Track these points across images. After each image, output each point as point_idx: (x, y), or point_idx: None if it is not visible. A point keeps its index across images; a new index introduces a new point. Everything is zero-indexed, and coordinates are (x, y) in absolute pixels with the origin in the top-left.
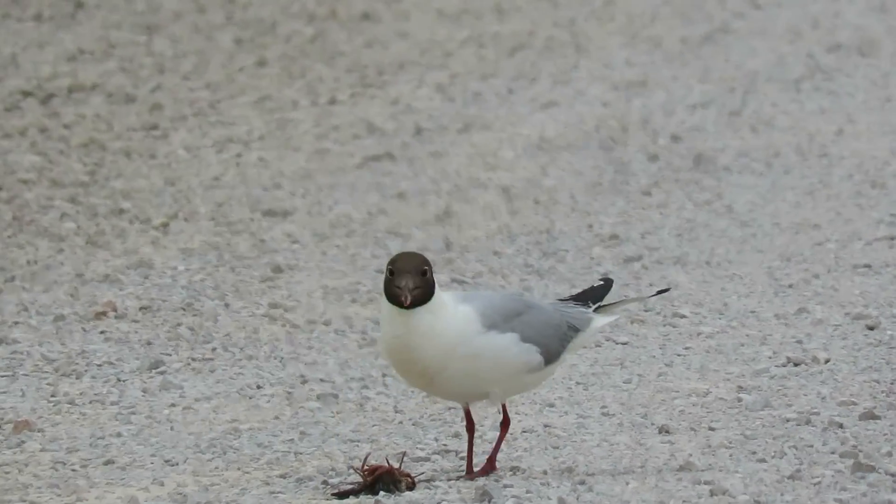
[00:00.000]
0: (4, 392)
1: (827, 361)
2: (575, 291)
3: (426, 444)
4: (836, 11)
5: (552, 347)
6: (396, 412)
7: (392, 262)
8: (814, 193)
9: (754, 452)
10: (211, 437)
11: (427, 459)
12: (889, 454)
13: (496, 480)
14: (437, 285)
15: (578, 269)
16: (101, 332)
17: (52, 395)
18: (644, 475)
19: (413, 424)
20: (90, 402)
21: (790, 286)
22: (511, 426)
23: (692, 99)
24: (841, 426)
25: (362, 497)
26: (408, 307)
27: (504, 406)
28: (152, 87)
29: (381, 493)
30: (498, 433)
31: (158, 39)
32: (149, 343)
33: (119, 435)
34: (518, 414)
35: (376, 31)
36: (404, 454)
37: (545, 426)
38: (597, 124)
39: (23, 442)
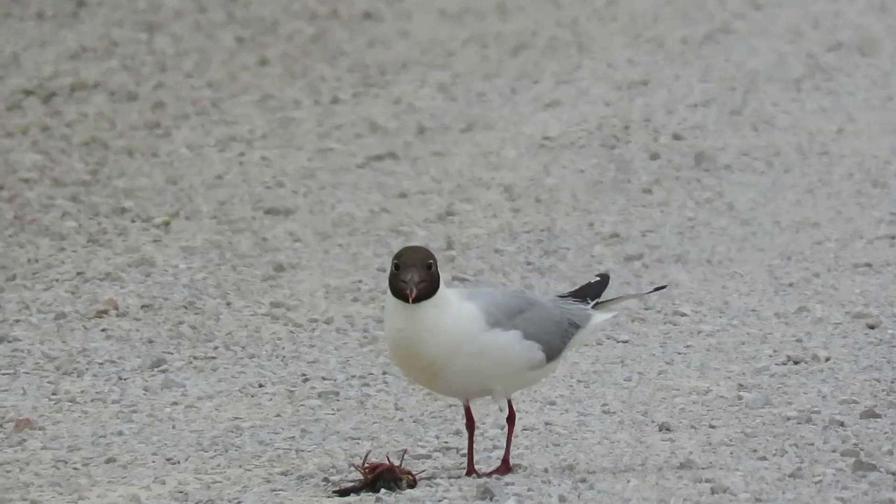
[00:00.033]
0: (6, 390)
1: (827, 360)
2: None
3: (427, 442)
4: (837, 11)
5: (554, 344)
6: (397, 410)
7: (397, 255)
8: (814, 192)
9: (755, 450)
10: (213, 435)
11: (428, 457)
12: (890, 453)
13: (497, 478)
14: (443, 281)
15: (579, 268)
16: (103, 331)
17: (54, 394)
18: (645, 473)
19: (414, 422)
20: (91, 401)
21: (791, 285)
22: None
23: (693, 98)
24: (842, 425)
25: (363, 495)
26: (413, 301)
27: (510, 401)
28: (154, 85)
29: (382, 490)
30: (501, 431)
31: (160, 38)
32: (150, 341)
33: (120, 433)
34: (519, 412)
35: (378, 31)
36: (405, 452)
37: (546, 424)
38: (599, 123)
39: (24, 440)
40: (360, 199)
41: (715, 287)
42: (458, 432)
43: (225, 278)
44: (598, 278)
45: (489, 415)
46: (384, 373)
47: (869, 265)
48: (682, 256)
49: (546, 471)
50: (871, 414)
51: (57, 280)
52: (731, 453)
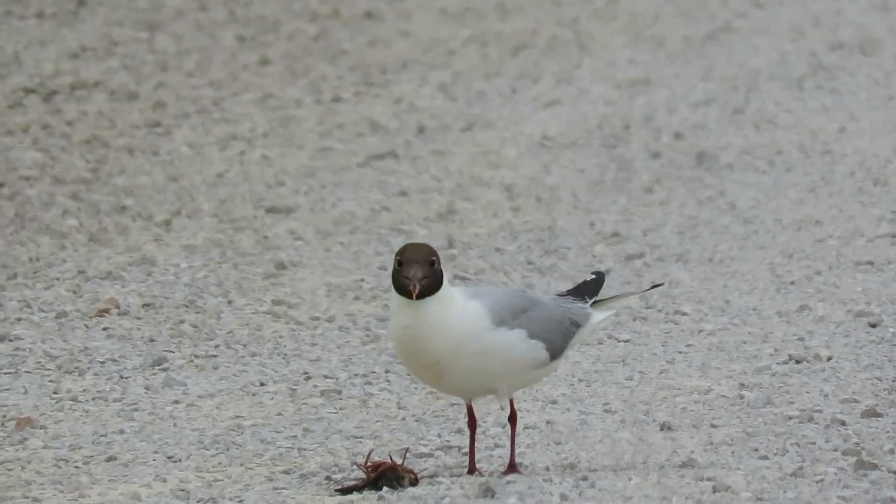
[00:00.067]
0: (7, 389)
1: (829, 359)
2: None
3: (429, 441)
4: (839, 10)
5: (557, 343)
6: (399, 408)
7: (400, 252)
8: (816, 191)
9: (756, 450)
10: (214, 433)
11: (430, 455)
12: (891, 451)
13: (499, 476)
14: (446, 278)
15: (580, 267)
16: (104, 329)
17: (55, 392)
18: (646, 471)
19: (416, 420)
20: (93, 399)
21: (792, 283)
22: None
23: (695, 97)
24: (843, 423)
25: (365, 493)
26: (416, 298)
27: (511, 401)
28: (155, 84)
29: (385, 489)
30: (502, 429)
31: (161, 37)
32: (151, 340)
33: (122, 432)
34: (520, 410)
35: (379, 30)
36: (407, 450)
37: (548, 422)
38: (599, 123)
39: (25, 439)
40: (360, 197)
41: (716, 286)
42: (459, 431)
43: (226, 277)
44: (594, 276)
45: (490, 413)
46: (386, 371)
47: (870, 263)
48: (683, 255)
49: (547, 469)
50: (872, 413)
51: (58, 279)
52: (733, 452)
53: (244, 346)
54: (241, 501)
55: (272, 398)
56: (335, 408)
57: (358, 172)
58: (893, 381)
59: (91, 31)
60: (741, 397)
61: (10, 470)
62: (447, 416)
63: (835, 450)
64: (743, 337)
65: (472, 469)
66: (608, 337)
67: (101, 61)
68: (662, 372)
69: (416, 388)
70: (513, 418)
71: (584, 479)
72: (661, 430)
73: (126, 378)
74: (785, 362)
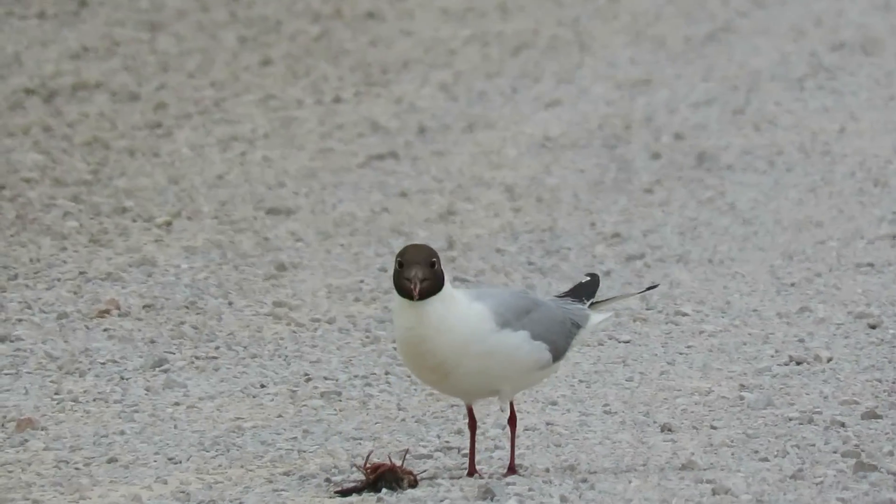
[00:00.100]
0: (8, 390)
1: (829, 360)
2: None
3: (429, 442)
4: (840, 10)
5: (560, 344)
6: (399, 410)
7: (401, 253)
8: (816, 191)
9: (756, 451)
10: (214, 435)
11: (430, 457)
12: (891, 453)
13: (498, 478)
14: (448, 279)
15: (581, 267)
16: (105, 330)
17: (56, 393)
18: (646, 474)
19: (416, 422)
20: (93, 400)
21: (792, 284)
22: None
23: (695, 97)
24: (843, 425)
25: (365, 495)
26: (417, 298)
27: (511, 403)
28: (156, 85)
29: (384, 490)
30: (502, 431)
31: (162, 38)
32: (152, 341)
33: (122, 433)
34: (520, 412)
35: (381, 30)
36: (407, 452)
37: (547, 424)
38: (600, 123)
39: (26, 440)
40: (361, 198)
41: (717, 287)
42: (459, 432)
43: (227, 278)
44: (589, 278)
45: (490, 415)
46: (386, 373)
47: (871, 265)
48: (683, 256)
49: (547, 471)
50: (872, 415)
51: (59, 280)
52: (733, 454)
53: (245, 347)
54: (241, 503)
55: (272, 400)
56: (335, 409)
57: (358, 173)
58: (893, 382)
59: (92, 32)
60: (741, 399)
61: (10, 471)
62: (447, 418)
63: (834, 451)
64: (743, 338)
65: (471, 471)
66: (608, 338)
67: (102, 62)
68: (663, 373)
69: (415, 389)
70: (512, 420)
71: (584, 481)
72: (662, 431)
73: (127, 379)
74: (785, 364)
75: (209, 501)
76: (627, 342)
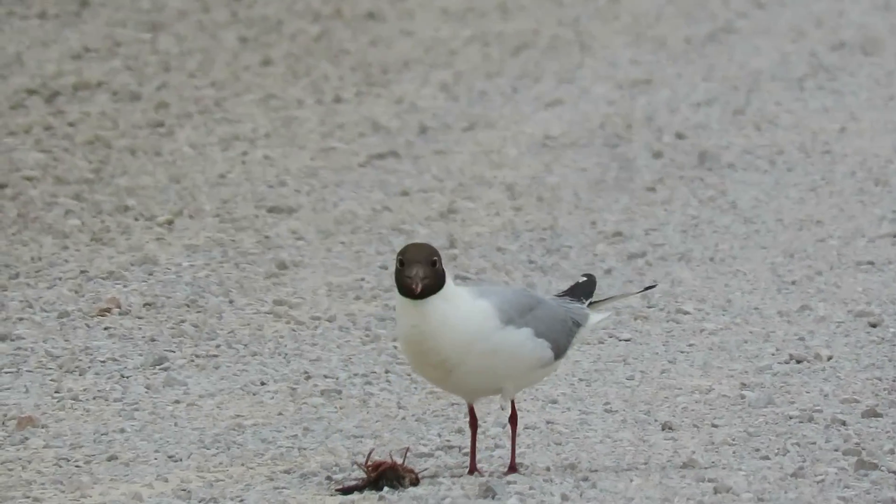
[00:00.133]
0: (8, 388)
1: (830, 359)
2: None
3: (429, 440)
4: (840, 10)
5: (561, 342)
6: (400, 408)
7: (402, 252)
8: (817, 191)
9: (757, 450)
10: (215, 433)
11: (430, 455)
12: (892, 452)
13: (499, 477)
14: (449, 276)
15: (582, 266)
16: (105, 329)
17: (56, 392)
18: (647, 472)
19: (416, 420)
20: (94, 399)
21: (793, 283)
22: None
23: (696, 97)
24: (844, 424)
25: (366, 493)
26: (418, 296)
27: (513, 401)
28: (157, 85)
29: (385, 488)
30: (503, 430)
31: (164, 37)
32: (153, 339)
33: (122, 431)
34: (520, 410)
35: (381, 30)
36: (408, 450)
37: (548, 423)
38: (601, 122)
39: (26, 438)
40: (362, 197)
41: (718, 285)
42: (460, 430)
43: (227, 276)
44: (585, 279)
45: (490, 413)
46: (387, 371)
47: (871, 263)
48: (685, 255)
49: (548, 469)
50: (872, 413)
51: (60, 278)
52: (734, 452)
53: (245, 345)
54: (241, 501)
55: (273, 398)
56: (335, 407)
57: (359, 172)
58: (894, 381)
59: (94, 32)
60: (742, 397)
61: (10, 470)
62: (448, 416)
63: (835, 450)
64: (744, 336)
65: (472, 469)
66: (609, 336)
67: (103, 62)
68: (664, 371)
69: (416, 387)
70: (513, 419)
71: (585, 479)
72: (662, 430)
73: (127, 377)
74: (786, 362)
75: (210, 499)
76: (628, 340)
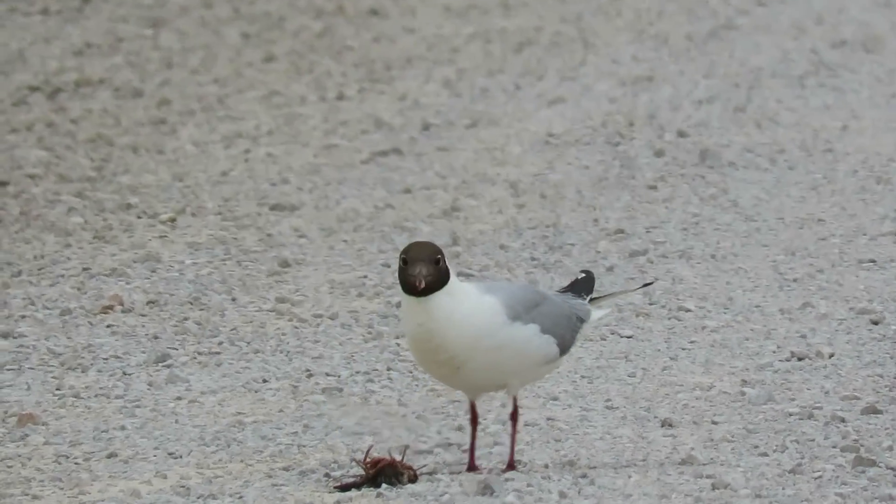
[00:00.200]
0: (10, 385)
1: (831, 356)
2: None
3: (429, 437)
4: (841, 7)
5: (566, 338)
6: (400, 405)
7: (405, 251)
8: (818, 189)
9: (756, 446)
10: (215, 430)
11: (430, 452)
12: (890, 448)
13: (498, 474)
14: (453, 273)
15: (584, 263)
16: (108, 326)
17: (58, 389)
18: (646, 469)
19: (416, 417)
20: (95, 396)
21: (795, 281)
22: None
23: (698, 94)
24: (843, 421)
25: (364, 490)
26: (421, 293)
27: (515, 398)
28: (160, 81)
29: (384, 485)
30: (503, 427)
31: (166, 34)
32: (155, 337)
33: (123, 428)
34: (521, 407)
35: (384, 27)
36: (407, 447)
37: (548, 419)
38: (603, 120)
39: (26, 435)
40: (365, 194)
41: (719, 283)
42: (459, 428)
43: (230, 274)
44: (584, 275)
45: (491, 411)
46: (388, 368)
47: (873, 261)
48: (686, 252)
49: (546, 466)
50: (872, 410)
51: (62, 276)
52: (733, 449)
53: (247, 343)
54: (240, 498)
55: (274, 395)
56: (336, 405)
57: (362, 169)
58: (894, 378)
59: (96, 29)
60: (743, 394)
61: (10, 466)
62: (447, 413)
63: (834, 446)
64: (746, 334)
65: (471, 466)
66: (611, 333)
67: (105, 58)
68: (665, 368)
69: (417, 385)
70: (514, 415)
71: (584, 476)
72: (662, 426)
73: (129, 375)
74: (787, 359)
75: (209, 496)
76: (630, 337)
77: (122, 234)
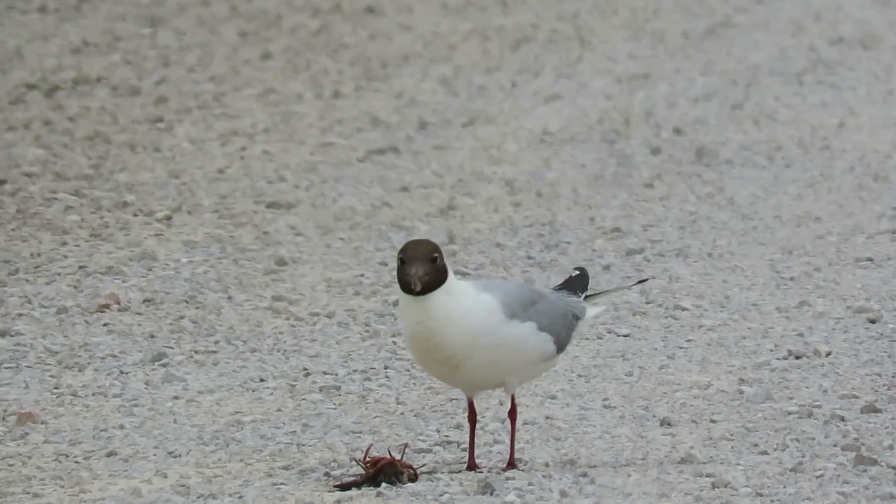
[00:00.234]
0: (8, 384)
1: (828, 354)
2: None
3: (428, 436)
4: (838, 5)
5: (563, 336)
6: (398, 404)
7: (402, 250)
8: (815, 186)
9: (756, 445)
10: (214, 429)
11: (429, 451)
12: (891, 447)
13: (498, 473)
14: (451, 272)
15: (580, 262)
16: (105, 325)
17: (56, 388)
18: (646, 467)
19: (415, 416)
20: (93, 395)
21: (792, 279)
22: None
23: (694, 92)
24: (842, 419)
25: (364, 489)
26: (418, 293)
27: (513, 396)
28: (157, 79)
29: (384, 484)
30: (502, 425)
31: (163, 32)
32: (152, 336)
33: (122, 427)
34: (519, 406)
35: (380, 24)
36: (406, 446)
37: (547, 418)
38: (600, 117)
39: (26, 434)
40: (361, 192)
41: (716, 281)
42: (458, 426)
43: (226, 272)
44: (578, 272)
45: (489, 409)
46: (386, 367)
47: (870, 259)
48: (683, 250)
49: (547, 465)
50: (871, 409)
51: (59, 274)
52: (732, 448)
53: (244, 341)
54: (240, 497)
55: (272, 394)
56: (334, 403)
57: (358, 167)
58: (892, 376)
59: (93, 27)
60: (740, 392)
61: (10, 465)
62: (446, 412)
63: (834, 445)
64: (743, 332)
65: (471, 465)
66: (608, 332)
67: (103, 56)
68: (662, 367)
69: (415, 383)
70: (513, 414)
71: (584, 475)
72: (661, 425)
73: (126, 373)
74: (784, 358)
75: (209, 495)
76: (627, 336)
77: (119, 232)
